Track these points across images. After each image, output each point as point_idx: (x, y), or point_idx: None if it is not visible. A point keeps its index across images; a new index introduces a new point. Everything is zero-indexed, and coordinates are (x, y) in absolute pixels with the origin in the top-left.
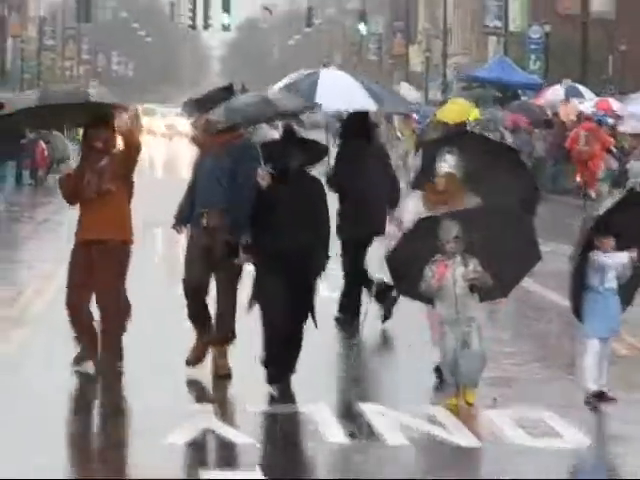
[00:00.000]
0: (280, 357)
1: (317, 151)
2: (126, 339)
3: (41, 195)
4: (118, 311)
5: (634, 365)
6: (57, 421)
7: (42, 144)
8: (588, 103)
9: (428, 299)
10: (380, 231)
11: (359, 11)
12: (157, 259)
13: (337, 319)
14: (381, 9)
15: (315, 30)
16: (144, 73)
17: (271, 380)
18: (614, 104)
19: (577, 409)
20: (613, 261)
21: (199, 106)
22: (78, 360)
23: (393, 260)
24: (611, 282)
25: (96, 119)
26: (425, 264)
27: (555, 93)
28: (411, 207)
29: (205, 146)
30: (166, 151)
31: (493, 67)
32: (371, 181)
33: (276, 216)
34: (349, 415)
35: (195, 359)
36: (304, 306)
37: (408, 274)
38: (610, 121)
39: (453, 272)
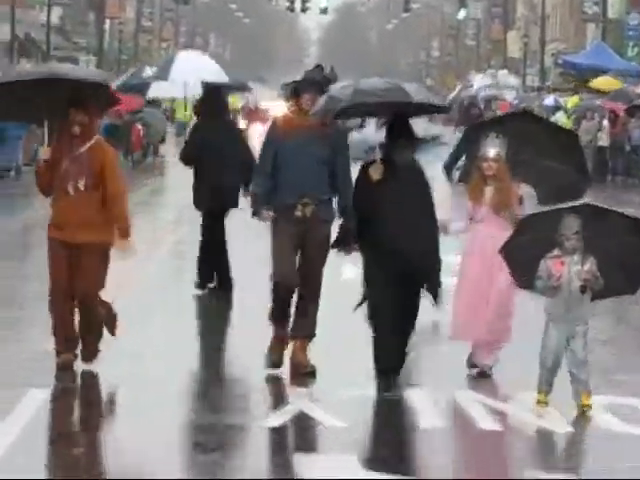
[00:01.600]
0: (390, 352)
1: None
2: (215, 327)
3: (138, 177)
4: (98, 313)
5: None
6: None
7: (138, 126)
8: None
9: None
10: (232, 205)
11: None
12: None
13: (195, 283)
14: None
15: (413, 15)
16: (242, 55)
17: (380, 375)
18: None
19: None
20: None
21: (302, 87)
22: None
23: (510, 255)
24: None
25: (73, 100)
26: (540, 257)
27: None
28: (445, 204)
29: (292, 129)
30: (263, 131)
31: (591, 54)
32: (223, 157)
33: (385, 211)
34: (443, 401)
35: (278, 360)
36: (412, 308)
37: (526, 268)
38: None
39: (569, 270)
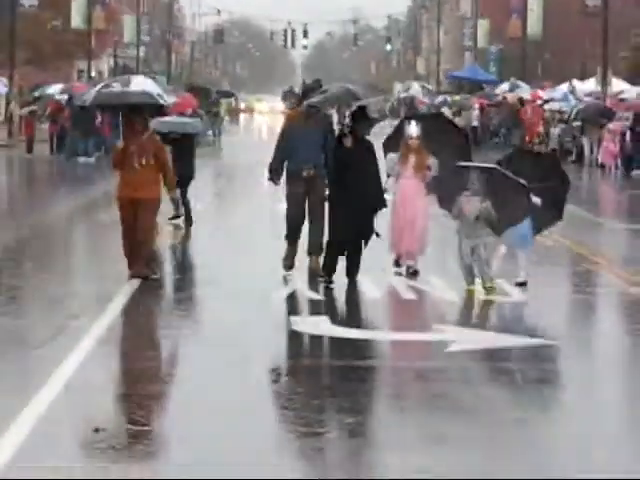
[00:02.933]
0: (334, 263)
1: (373, 122)
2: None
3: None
4: (151, 240)
5: (557, 251)
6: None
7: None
8: (526, 93)
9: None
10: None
11: (386, 37)
12: (264, 188)
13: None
14: (400, 34)
15: (359, 48)
16: (255, 75)
17: (327, 273)
18: (541, 93)
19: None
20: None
21: (296, 94)
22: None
23: (437, 188)
24: None
25: (135, 109)
26: (456, 192)
27: (502, 87)
28: (395, 159)
29: (296, 119)
30: (268, 123)
31: (467, 70)
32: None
33: (352, 165)
34: (380, 283)
35: (289, 265)
36: (367, 227)
37: (446, 197)
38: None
39: (471, 206)
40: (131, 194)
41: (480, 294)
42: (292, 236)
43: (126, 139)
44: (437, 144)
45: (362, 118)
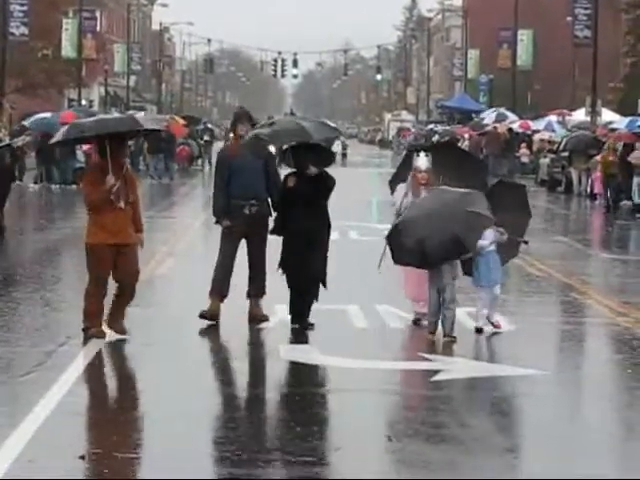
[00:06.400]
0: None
1: (328, 157)
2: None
3: (182, 178)
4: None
5: (545, 281)
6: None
7: (185, 147)
8: (515, 123)
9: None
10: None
11: (376, 66)
12: None
13: None
14: (390, 64)
15: (349, 78)
16: (245, 104)
17: (298, 321)
18: (530, 123)
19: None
20: (488, 240)
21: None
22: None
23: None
24: (490, 248)
25: (120, 137)
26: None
27: (490, 117)
28: (401, 194)
29: (233, 150)
30: None
31: (457, 100)
32: None
33: (297, 205)
34: (368, 312)
35: (212, 315)
36: (318, 267)
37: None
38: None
39: None
40: (112, 239)
41: (468, 323)
42: (222, 277)
43: (102, 172)
44: (454, 179)
45: (309, 157)
